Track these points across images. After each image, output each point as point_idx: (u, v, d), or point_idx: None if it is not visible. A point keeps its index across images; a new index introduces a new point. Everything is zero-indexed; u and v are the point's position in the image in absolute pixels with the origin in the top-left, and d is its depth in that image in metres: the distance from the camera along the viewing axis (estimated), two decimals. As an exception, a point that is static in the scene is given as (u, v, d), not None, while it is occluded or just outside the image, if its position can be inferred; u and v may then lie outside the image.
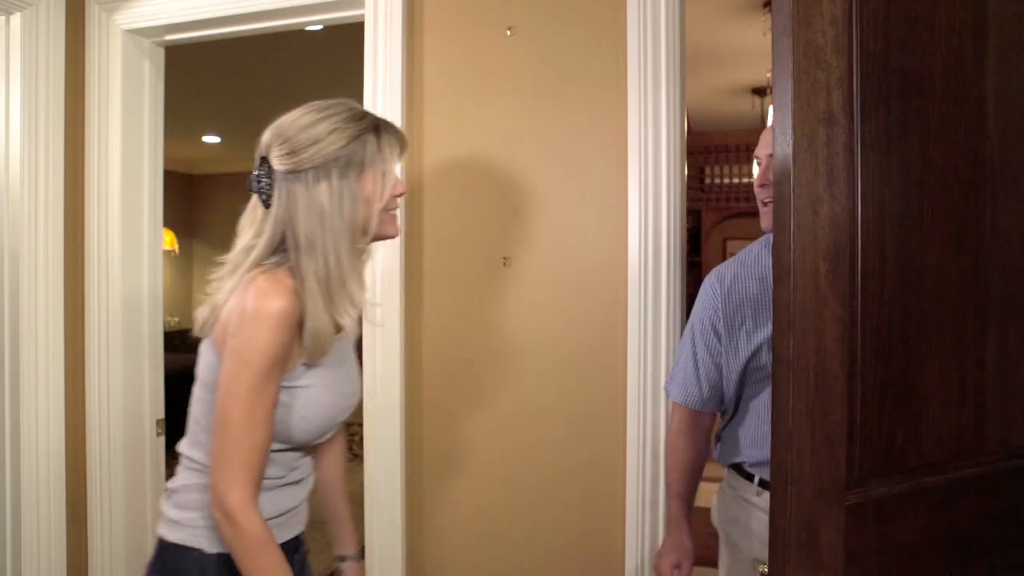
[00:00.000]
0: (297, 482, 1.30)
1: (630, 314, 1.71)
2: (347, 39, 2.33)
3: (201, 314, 1.20)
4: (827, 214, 1.03)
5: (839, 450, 0.96)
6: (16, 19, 2.01)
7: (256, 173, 1.18)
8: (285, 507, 1.27)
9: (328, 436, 1.30)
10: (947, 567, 1.23)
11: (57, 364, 2.11)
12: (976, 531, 1.27)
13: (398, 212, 1.25)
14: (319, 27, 2.22)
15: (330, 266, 1.14)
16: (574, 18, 1.77)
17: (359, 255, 1.21)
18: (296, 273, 1.14)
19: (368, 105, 1.90)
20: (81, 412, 2.17)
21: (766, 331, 1.42)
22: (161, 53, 2.31)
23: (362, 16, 1.92)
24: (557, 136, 1.78)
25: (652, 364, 1.70)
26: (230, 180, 8.18)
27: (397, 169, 1.23)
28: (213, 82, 4.58)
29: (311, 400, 1.19)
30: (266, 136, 1.19)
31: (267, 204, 1.17)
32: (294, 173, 1.14)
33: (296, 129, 1.15)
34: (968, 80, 1.33)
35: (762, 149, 1.51)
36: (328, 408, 1.23)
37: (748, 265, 1.52)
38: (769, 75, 2.41)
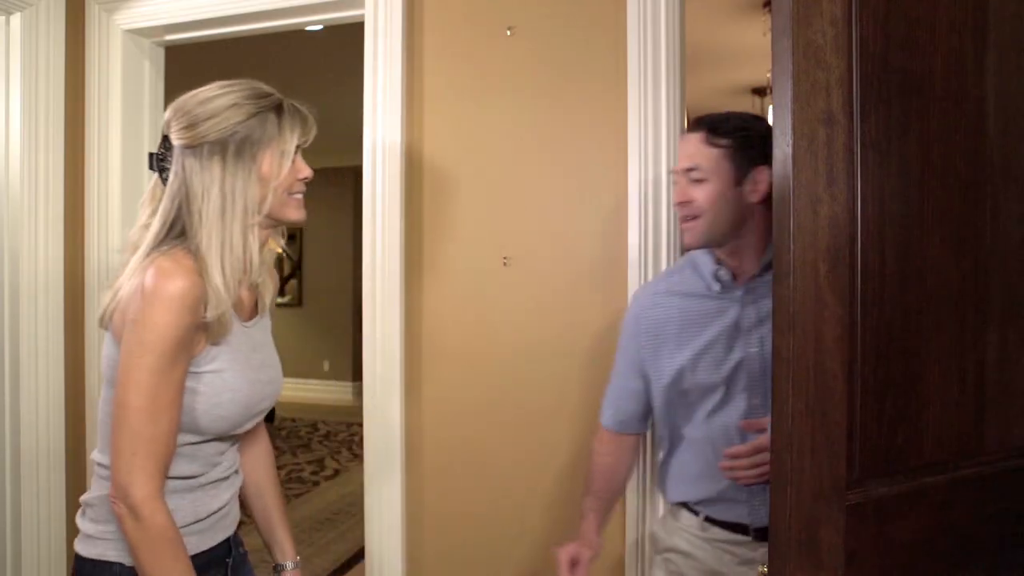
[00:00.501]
0: (221, 480, 1.23)
1: (630, 314, 1.71)
2: (347, 39, 2.33)
3: (103, 302, 1.15)
4: (827, 214, 1.03)
5: (839, 449, 0.95)
6: (16, 19, 2.01)
7: (157, 151, 1.17)
8: (210, 508, 1.20)
9: (247, 426, 1.23)
10: (947, 567, 1.22)
11: (57, 364, 2.11)
12: (976, 531, 1.26)
13: (301, 197, 1.22)
14: (319, 27, 2.23)
15: (224, 242, 1.11)
16: (574, 18, 1.77)
17: (254, 233, 1.16)
18: (195, 252, 1.10)
19: (368, 105, 1.90)
20: (81, 412, 2.17)
21: (687, 353, 1.36)
22: (161, 53, 2.31)
23: (362, 16, 1.92)
24: (557, 136, 1.78)
25: (652, 364, 1.69)
26: (230, 180, 8.17)
27: (292, 150, 1.18)
28: (213, 82, 4.57)
29: (224, 385, 1.14)
30: (167, 112, 1.17)
31: (164, 179, 1.15)
32: (190, 148, 1.12)
33: (195, 103, 1.14)
34: (968, 80, 1.32)
35: (681, 163, 1.38)
36: (242, 394, 1.17)
37: (673, 285, 1.44)
38: (769, 75, 2.40)
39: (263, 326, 1.29)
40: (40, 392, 2.07)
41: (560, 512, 1.79)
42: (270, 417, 6.55)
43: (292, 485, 4.80)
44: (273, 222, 1.20)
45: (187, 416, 1.12)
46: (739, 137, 1.31)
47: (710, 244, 1.36)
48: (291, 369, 8.29)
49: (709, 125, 1.33)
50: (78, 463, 2.16)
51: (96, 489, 1.19)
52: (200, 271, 1.08)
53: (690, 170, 1.33)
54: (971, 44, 1.32)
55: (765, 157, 1.20)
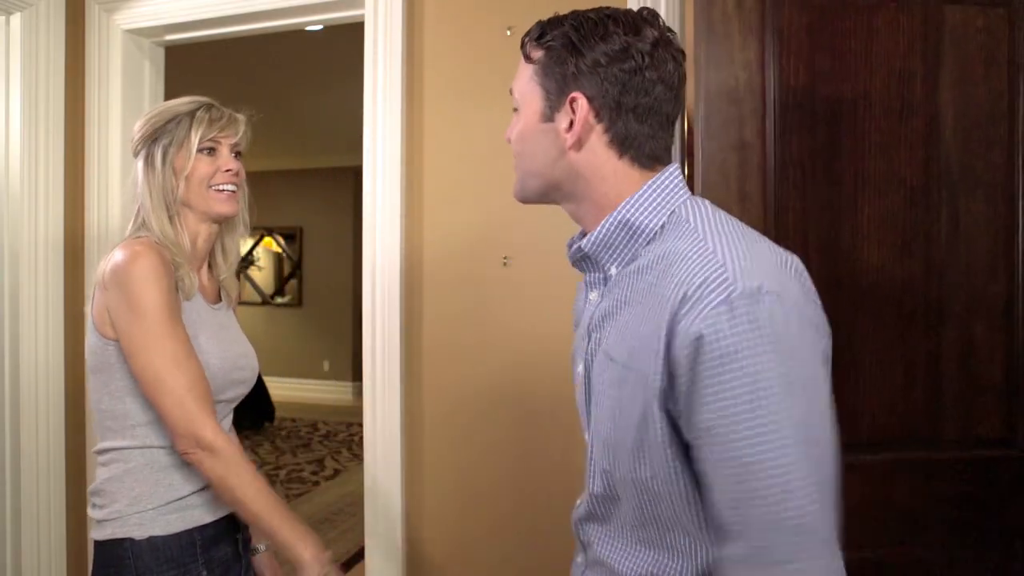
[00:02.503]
0: None
1: (630, 314, 1.71)
2: (347, 39, 2.33)
3: (89, 297, 1.30)
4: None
5: None
6: (16, 19, 2.01)
7: None
8: (203, 480, 1.25)
9: (228, 394, 1.33)
10: (886, 538, 1.35)
11: (57, 364, 2.11)
12: (925, 511, 1.37)
13: (230, 191, 1.34)
14: (319, 27, 2.23)
15: (161, 228, 1.28)
16: (574, 18, 1.76)
17: (181, 221, 1.31)
18: (152, 235, 1.28)
19: (368, 105, 1.90)
20: (82, 413, 2.17)
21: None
22: (161, 53, 2.31)
23: (362, 16, 1.92)
24: (557, 136, 1.78)
25: (652, 364, 1.70)
26: (230, 180, 8.17)
27: (195, 143, 1.30)
28: (213, 82, 4.57)
29: (200, 348, 1.25)
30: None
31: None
32: (136, 154, 1.33)
33: (143, 116, 1.35)
34: (916, 96, 1.46)
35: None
36: (217, 358, 1.28)
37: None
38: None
39: (229, 313, 1.43)
40: (40, 392, 2.07)
41: (560, 512, 1.79)
42: (270, 417, 6.55)
43: (292, 485, 4.80)
44: (206, 216, 1.32)
45: None
46: (549, 48, 0.88)
47: (535, 199, 0.96)
48: (291, 369, 8.37)
49: (534, 30, 0.91)
50: (78, 465, 2.16)
51: (100, 475, 1.28)
52: (159, 246, 1.25)
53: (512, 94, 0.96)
54: (920, 64, 1.46)
55: (586, 77, 0.85)
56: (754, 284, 0.74)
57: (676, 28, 1.62)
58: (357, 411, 2.49)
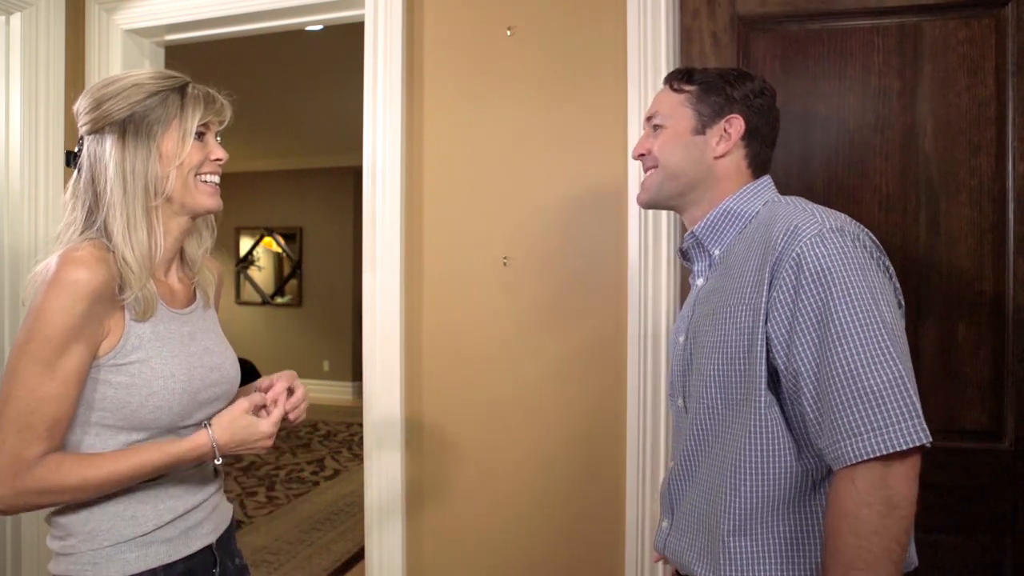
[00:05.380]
0: (183, 482, 1.16)
1: (630, 314, 1.71)
2: (347, 39, 2.33)
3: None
4: None
5: None
6: (16, 19, 2.01)
7: (75, 149, 1.16)
8: (175, 511, 1.13)
9: (196, 416, 1.15)
10: None
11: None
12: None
13: (215, 183, 1.20)
14: (319, 27, 2.22)
15: (128, 223, 1.09)
16: (574, 18, 1.77)
17: (158, 216, 1.13)
18: (108, 239, 1.09)
19: (368, 105, 1.90)
20: (81, 412, 2.17)
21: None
22: (161, 53, 2.31)
23: (362, 16, 1.92)
24: (557, 136, 1.78)
25: (652, 364, 1.70)
26: (227, 180, 8.12)
27: (193, 128, 1.15)
28: (213, 82, 4.57)
29: (153, 373, 1.08)
30: (77, 101, 1.16)
31: (78, 170, 1.14)
32: (94, 133, 1.12)
33: (98, 87, 1.13)
34: (893, 109, 1.56)
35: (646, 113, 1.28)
36: (178, 381, 1.10)
37: None
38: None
39: (204, 315, 1.24)
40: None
41: (560, 511, 1.79)
42: (270, 417, 6.54)
43: (292, 485, 4.80)
44: (186, 210, 1.16)
45: (124, 411, 1.07)
46: (705, 83, 1.17)
47: (665, 201, 1.22)
48: (291, 369, 8.31)
49: (679, 73, 1.21)
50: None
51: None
52: (113, 260, 1.06)
53: (650, 118, 1.22)
54: (897, 80, 1.56)
55: (739, 105, 1.15)
56: (838, 224, 0.98)
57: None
58: (357, 411, 2.49)
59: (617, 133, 1.73)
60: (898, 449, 0.87)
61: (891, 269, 1.03)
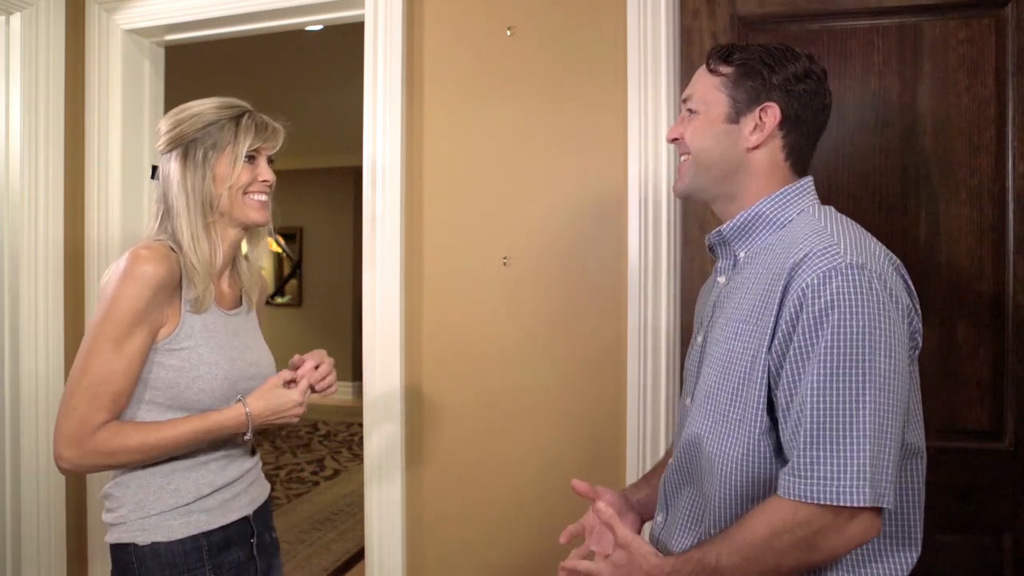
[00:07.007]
0: (223, 456, 1.32)
1: (630, 313, 1.71)
2: (347, 39, 2.33)
3: None
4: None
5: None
6: (16, 19, 2.01)
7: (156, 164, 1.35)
8: (214, 484, 1.29)
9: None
10: None
11: (57, 364, 2.10)
12: None
13: (264, 199, 1.38)
14: (319, 27, 2.22)
15: (193, 235, 1.27)
16: (574, 18, 1.77)
17: (216, 229, 1.31)
18: (177, 243, 1.27)
19: (368, 105, 1.90)
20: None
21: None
22: (161, 53, 2.31)
23: (362, 16, 1.92)
24: (557, 136, 1.78)
25: (652, 364, 1.70)
26: (230, 180, 8.18)
27: (243, 153, 1.31)
28: (213, 82, 4.57)
29: (200, 359, 1.25)
30: (158, 124, 1.35)
31: (158, 184, 1.34)
32: (166, 154, 1.31)
33: (173, 112, 1.32)
34: (893, 108, 1.55)
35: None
36: (221, 368, 1.27)
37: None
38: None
39: (248, 318, 1.43)
40: (40, 393, 2.07)
41: (560, 511, 1.79)
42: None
43: (292, 485, 4.80)
44: (237, 222, 1.33)
45: (173, 391, 1.25)
46: (743, 64, 1.06)
47: (698, 192, 1.13)
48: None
49: (719, 51, 1.09)
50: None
51: (109, 477, 1.30)
52: (175, 258, 1.24)
53: (686, 100, 1.12)
54: (897, 80, 1.56)
55: (778, 92, 1.04)
56: (859, 260, 0.91)
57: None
58: (357, 411, 2.49)
59: (617, 133, 1.73)
60: (832, 504, 0.85)
61: (916, 308, 0.97)
